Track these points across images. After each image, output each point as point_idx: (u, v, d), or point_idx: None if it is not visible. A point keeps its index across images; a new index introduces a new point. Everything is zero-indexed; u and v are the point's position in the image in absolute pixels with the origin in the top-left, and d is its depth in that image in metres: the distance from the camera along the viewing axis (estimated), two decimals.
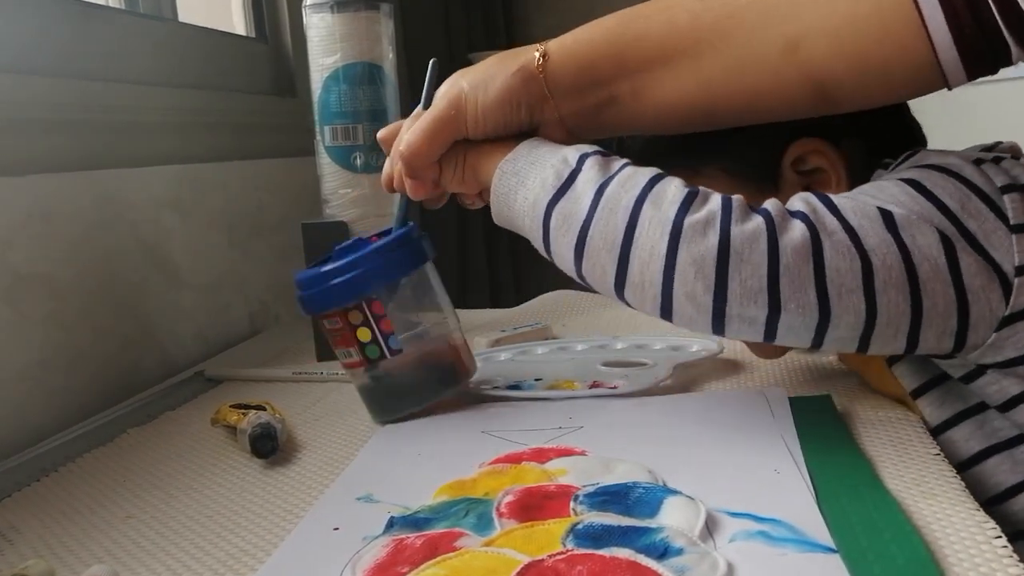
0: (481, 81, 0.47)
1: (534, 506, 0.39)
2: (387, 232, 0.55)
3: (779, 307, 0.40)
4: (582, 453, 0.46)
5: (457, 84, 0.48)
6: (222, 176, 0.88)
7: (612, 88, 0.46)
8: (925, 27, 0.39)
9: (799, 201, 0.42)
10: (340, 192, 0.71)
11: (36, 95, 0.68)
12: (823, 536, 0.35)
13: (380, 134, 0.52)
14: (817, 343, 0.42)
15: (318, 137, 0.71)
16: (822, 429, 0.47)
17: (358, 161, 0.70)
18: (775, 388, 0.55)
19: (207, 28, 0.99)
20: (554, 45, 0.47)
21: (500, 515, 0.39)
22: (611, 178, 0.43)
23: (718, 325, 0.41)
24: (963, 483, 0.40)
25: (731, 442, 0.46)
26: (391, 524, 0.39)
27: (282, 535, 0.40)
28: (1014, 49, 0.39)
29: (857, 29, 0.41)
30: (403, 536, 0.38)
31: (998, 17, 0.38)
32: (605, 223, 0.42)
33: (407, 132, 0.49)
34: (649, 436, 0.49)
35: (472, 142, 0.49)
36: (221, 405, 0.57)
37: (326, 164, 0.71)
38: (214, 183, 0.87)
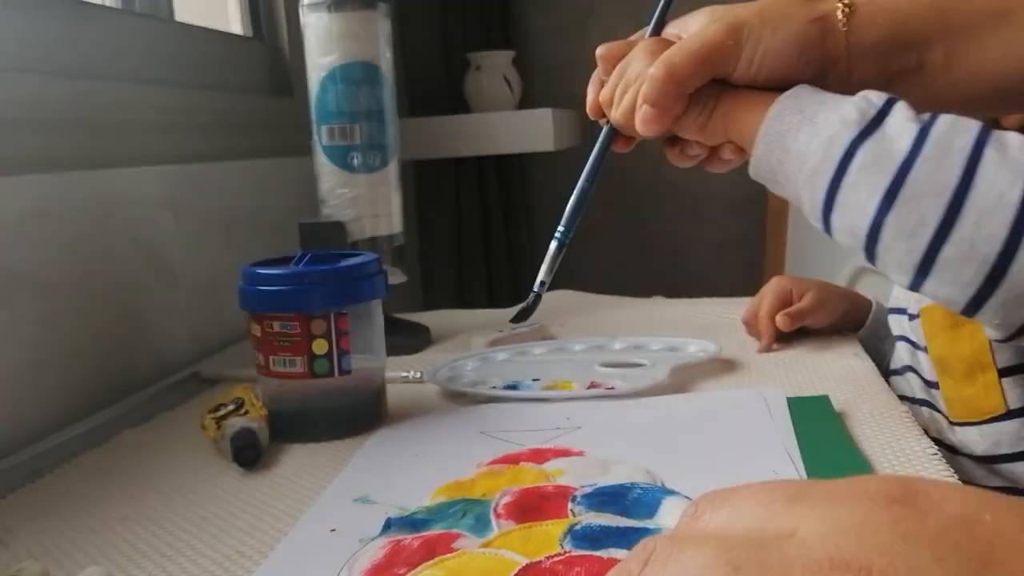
0: (772, 19, 0.40)
1: (532, 507, 0.39)
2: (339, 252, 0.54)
3: None
4: (580, 454, 0.46)
5: (740, 14, 0.41)
6: (218, 176, 0.88)
7: (923, 53, 0.40)
8: None
9: None
10: (337, 192, 0.71)
11: (30, 94, 0.68)
12: None
13: (601, 50, 0.46)
14: None
15: (315, 137, 0.71)
16: (820, 430, 0.47)
17: (355, 161, 0.70)
18: (772, 389, 0.55)
19: (203, 27, 0.99)
20: None
21: (498, 516, 0.39)
22: (932, 121, 0.37)
23: None
24: (960, 483, 0.40)
25: (729, 443, 0.46)
26: (388, 525, 0.39)
27: (279, 536, 0.40)
28: None
29: None
30: (400, 537, 0.38)
31: None
32: (934, 164, 0.35)
33: (659, 55, 0.42)
34: (647, 437, 0.48)
35: (728, 86, 0.42)
36: (202, 411, 0.55)
37: (323, 164, 0.71)
38: (210, 183, 0.86)
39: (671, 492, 0.39)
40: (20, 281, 0.62)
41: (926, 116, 0.38)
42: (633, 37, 0.46)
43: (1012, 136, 0.36)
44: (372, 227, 0.71)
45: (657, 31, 0.45)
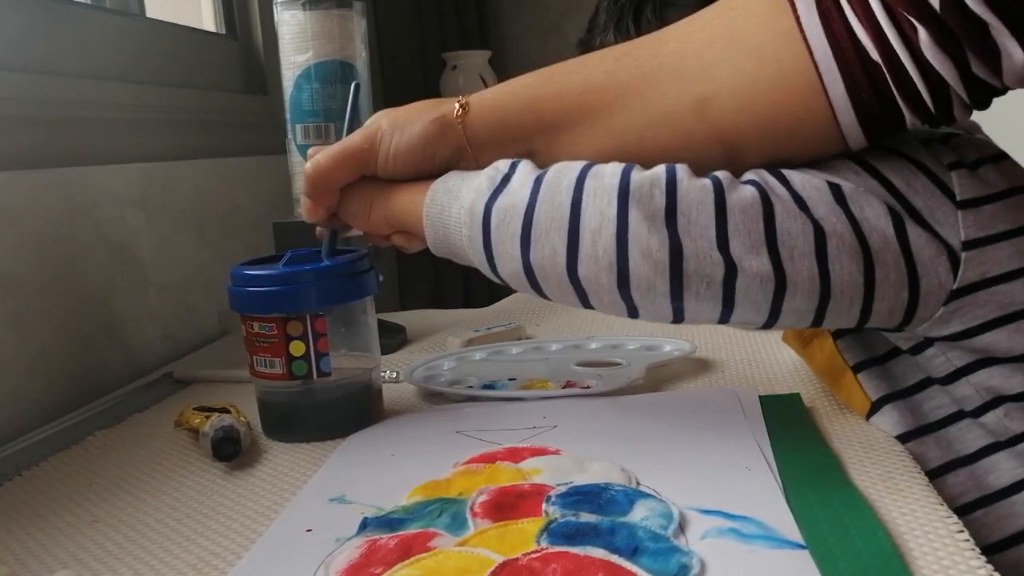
0: (400, 123, 0.48)
1: (508, 505, 0.39)
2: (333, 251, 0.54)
3: (734, 265, 0.40)
4: (556, 452, 0.46)
5: (377, 121, 0.49)
6: (191, 174, 0.87)
7: (530, 143, 0.47)
8: (826, 92, 0.41)
9: (749, 173, 0.43)
10: None
11: None
12: (792, 533, 0.35)
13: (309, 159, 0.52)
14: (774, 316, 0.42)
15: (289, 135, 0.71)
16: (791, 427, 0.48)
17: None
18: (746, 387, 0.55)
19: (175, 24, 0.98)
20: (475, 98, 0.48)
21: (474, 515, 0.39)
22: (545, 172, 0.44)
23: (676, 288, 0.41)
24: (927, 479, 0.41)
25: (703, 440, 0.47)
26: (364, 525, 0.39)
27: (253, 538, 0.40)
28: (908, 116, 0.41)
29: (762, 90, 0.42)
30: (377, 537, 0.38)
31: (893, 88, 0.40)
32: (549, 203, 0.42)
33: (319, 153, 0.50)
34: (622, 435, 0.49)
35: (381, 182, 0.49)
36: (184, 408, 0.56)
37: (297, 162, 0.71)
38: (183, 181, 0.86)
39: (645, 495, 0.40)
40: None
41: (542, 169, 0.44)
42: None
43: (608, 166, 0.42)
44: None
45: (350, 128, 0.52)
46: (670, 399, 0.56)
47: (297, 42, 0.68)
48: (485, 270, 0.46)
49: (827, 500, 0.38)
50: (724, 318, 0.42)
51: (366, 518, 0.39)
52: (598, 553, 0.34)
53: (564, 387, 0.58)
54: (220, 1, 1.08)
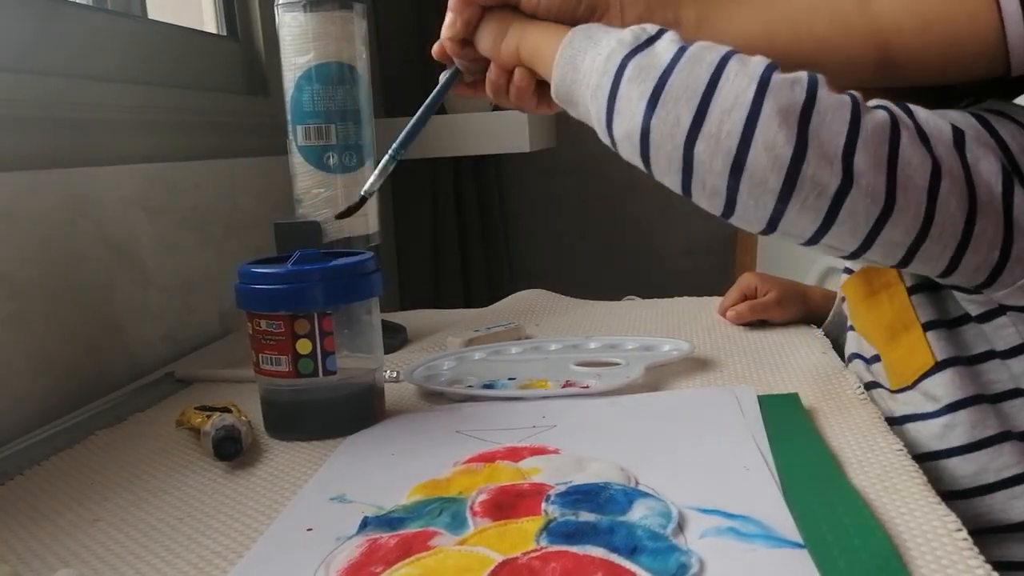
0: None
1: (507, 504, 0.40)
2: (347, 251, 0.55)
3: (851, 179, 0.40)
4: (555, 452, 0.47)
5: None
6: (193, 175, 0.87)
7: (680, 10, 0.47)
8: (997, 2, 0.40)
9: (879, 102, 0.43)
10: (313, 192, 0.71)
11: (1, 91, 0.67)
12: (791, 532, 0.35)
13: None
14: (867, 243, 0.41)
15: (290, 136, 0.71)
16: (790, 427, 0.48)
17: (331, 161, 0.70)
18: (744, 387, 0.56)
19: (177, 25, 0.98)
20: None
21: (474, 514, 0.39)
22: (691, 44, 0.43)
23: (787, 190, 0.40)
24: (925, 478, 0.41)
25: (702, 440, 0.47)
26: (365, 524, 0.39)
27: (254, 537, 0.40)
28: None
29: None
30: (377, 536, 0.38)
31: None
32: (687, 72, 0.41)
33: None
34: (621, 434, 0.49)
35: (521, 13, 0.49)
36: (186, 407, 0.56)
37: (299, 163, 0.71)
38: (184, 182, 0.86)
39: (644, 494, 0.40)
40: None
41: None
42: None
43: (754, 57, 0.42)
44: (348, 227, 0.71)
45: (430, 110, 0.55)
46: (669, 399, 0.56)
47: (298, 44, 0.68)
48: (600, 125, 0.45)
49: (826, 499, 0.38)
50: (816, 237, 0.42)
51: (366, 517, 0.40)
52: (597, 552, 0.34)
53: (563, 387, 0.58)
54: (221, 2, 1.08)
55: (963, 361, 0.48)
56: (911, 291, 0.51)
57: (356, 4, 0.69)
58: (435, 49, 0.54)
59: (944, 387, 0.48)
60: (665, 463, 0.44)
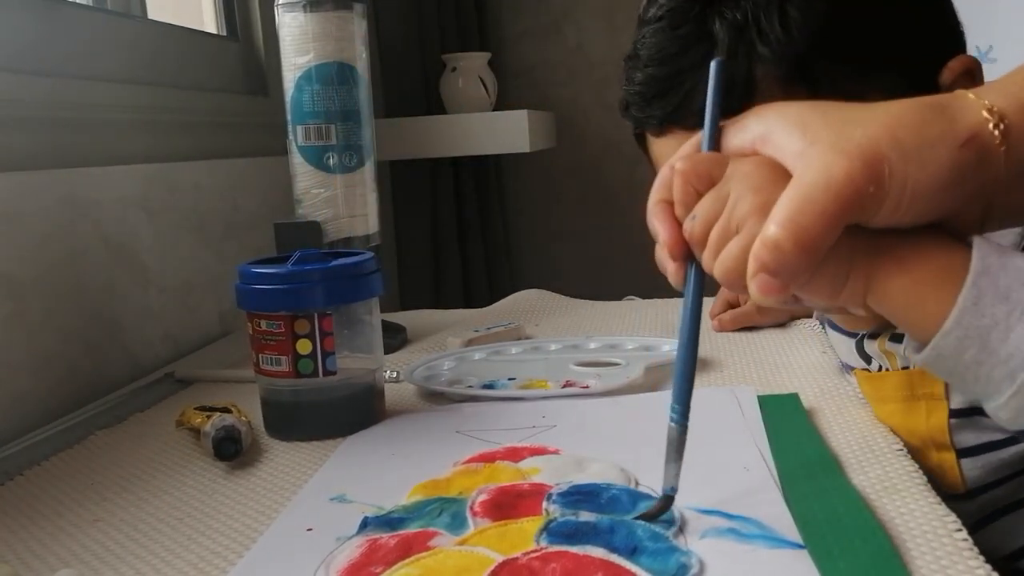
0: (913, 149, 0.31)
1: (507, 505, 0.40)
2: (345, 251, 0.55)
3: None
4: (555, 452, 0.47)
5: (873, 144, 0.31)
6: (193, 175, 0.87)
7: None
8: None
9: None
10: (313, 192, 0.71)
11: (1, 91, 0.67)
12: (791, 533, 0.35)
13: (683, 165, 0.36)
14: None
15: (290, 136, 0.71)
16: (790, 427, 0.48)
17: (331, 161, 0.70)
18: (744, 387, 0.56)
19: (177, 26, 0.98)
20: (1005, 102, 0.32)
21: (474, 514, 0.39)
22: None
23: None
24: (925, 478, 0.41)
25: (702, 440, 0.47)
26: (365, 524, 0.39)
27: (254, 537, 0.40)
28: None
29: None
30: (377, 536, 0.38)
31: None
32: None
33: (767, 192, 0.33)
34: (621, 435, 0.49)
35: (859, 234, 0.33)
36: (186, 407, 0.56)
37: (299, 164, 0.71)
38: (185, 182, 0.86)
39: (645, 496, 0.40)
40: None
41: None
42: (691, 142, 0.37)
43: None
44: (348, 227, 0.71)
45: (715, 120, 0.36)
46: (668, 399, 0.56)
47: (298, 44, 0.68)
48: (1013, 421, 0.32)
49: (826, 500, 0.38)
50: None
51: (366, 517, 0.40)
52: (597, 552, 0.34)
53: (563, 387, 0.58)
54: (221, 3, 1.09)
55: (994, 485, 0.46)
56: (953, 414, 0.47)
57: (356, 4, 0.69)
58: (671, 248, 0.37)
59: (973, 502, 0.46)
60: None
